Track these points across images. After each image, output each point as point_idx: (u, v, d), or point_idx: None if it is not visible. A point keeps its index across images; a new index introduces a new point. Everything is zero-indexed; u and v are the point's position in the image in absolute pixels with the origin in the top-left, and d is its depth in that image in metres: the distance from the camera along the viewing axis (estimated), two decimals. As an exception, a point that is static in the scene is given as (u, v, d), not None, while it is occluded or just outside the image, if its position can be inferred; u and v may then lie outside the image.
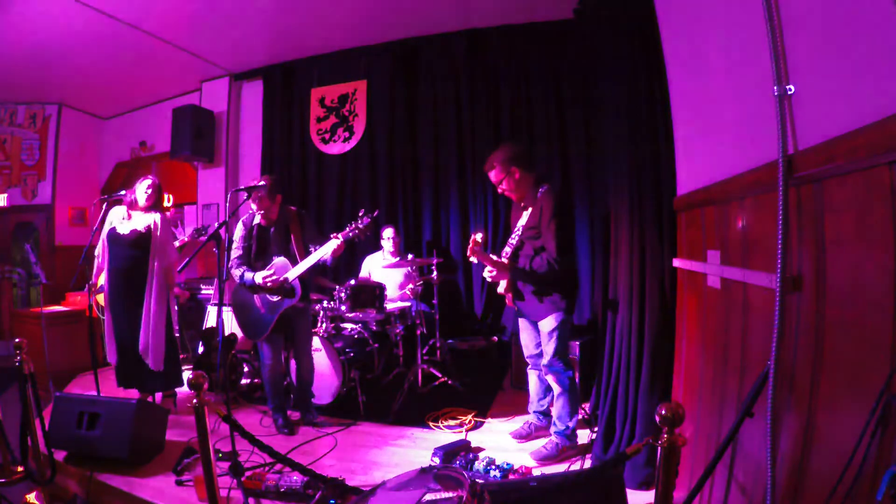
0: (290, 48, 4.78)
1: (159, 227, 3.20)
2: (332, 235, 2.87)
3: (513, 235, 2.58)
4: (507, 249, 2.56)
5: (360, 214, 2.91)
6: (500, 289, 2.68)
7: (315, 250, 2.90)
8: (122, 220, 3.21)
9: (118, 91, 5.57)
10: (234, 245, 3.04)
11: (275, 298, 2.95)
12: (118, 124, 6.26)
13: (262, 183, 2.86)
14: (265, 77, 5.19)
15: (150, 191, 3.22)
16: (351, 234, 2.88)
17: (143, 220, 3.19)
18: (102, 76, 5.09)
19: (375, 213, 2.99)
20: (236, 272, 2.98)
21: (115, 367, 3.28)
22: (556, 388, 2.63)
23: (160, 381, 3.27)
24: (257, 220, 3.01)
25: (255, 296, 3.00)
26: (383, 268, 4.06)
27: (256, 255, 3.01)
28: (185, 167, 5.54)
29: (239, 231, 3.05)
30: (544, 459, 2.56)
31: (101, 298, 3.47)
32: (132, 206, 3.23)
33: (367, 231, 2.91)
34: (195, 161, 5.38)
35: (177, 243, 4.00)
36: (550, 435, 2.68)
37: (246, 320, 3.06)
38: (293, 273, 2.89)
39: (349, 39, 4.60)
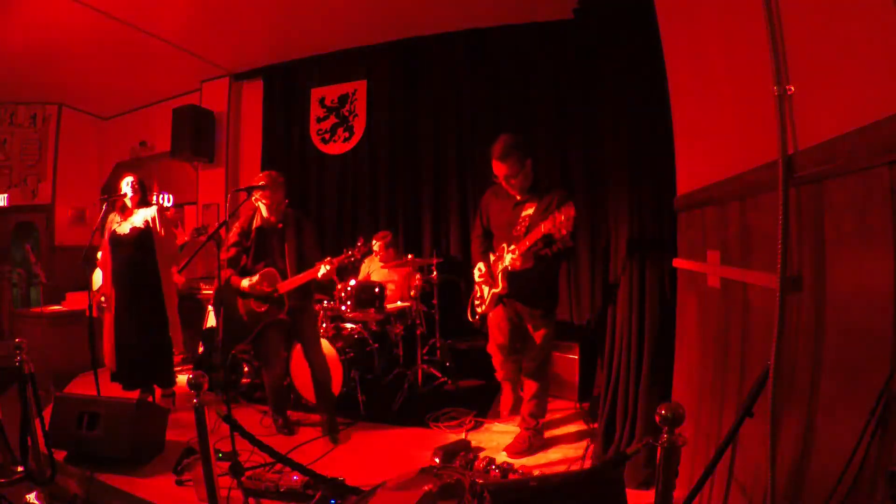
0: (290, 48, 4.78)
1: (157, 220, 3.22)
2: (325, 259, 2.74)
3: (517, 227, 2.46)
4: (514, 245, 2.42)
5: (359, 244, 2.79)
6: (482, 308, 2.68)
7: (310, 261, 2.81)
8: (119, 223, 3.26)
9: (118, 91, 5.56)
10: (227, 245, 2.90)
11: (261, 309, 2.86)
12: (118, 124, 6.25)
13: (262, 183, 2.79)
14: (265, 77, 5.18)
15: (132, 186, 3.24)
16: (345, 262, 2.77)
17: (140, 217, 3.23)
18: (102, 76, 5.09)
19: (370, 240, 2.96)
20: (224, 273, 2.85)
21: (113, 372, 3.27)
22: (534, 390, 2.67)
23: (156, 379, 3.32)
24: (256, 221, 2.90)
25: (240, 301, 2.89)
26: (382, 268, 4.06)
27: (254, 260, 2.88)
28: (185, 167, 5.54)
29: (234, 230, 2.92)
30: (519, 453, 2.62)
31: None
32: (124, 209, 3.28)
33: (360, 258, 2.85)
34: (195, 161, 5.38)
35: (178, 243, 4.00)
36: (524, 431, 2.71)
37: (226, 326, 2.93)
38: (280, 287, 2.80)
39: (349, 39, 4.59)
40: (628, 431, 2.36)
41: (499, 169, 2.44)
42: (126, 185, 3.25)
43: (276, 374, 3.04)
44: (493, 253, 2.64)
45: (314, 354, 2.98)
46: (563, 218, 2.10)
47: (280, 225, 2.90)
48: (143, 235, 3.18)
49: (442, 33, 4.35)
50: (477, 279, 2.71)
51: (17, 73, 4.86)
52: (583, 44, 3.61)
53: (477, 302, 2.75)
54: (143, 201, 3.29)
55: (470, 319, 2.81)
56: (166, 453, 2.66)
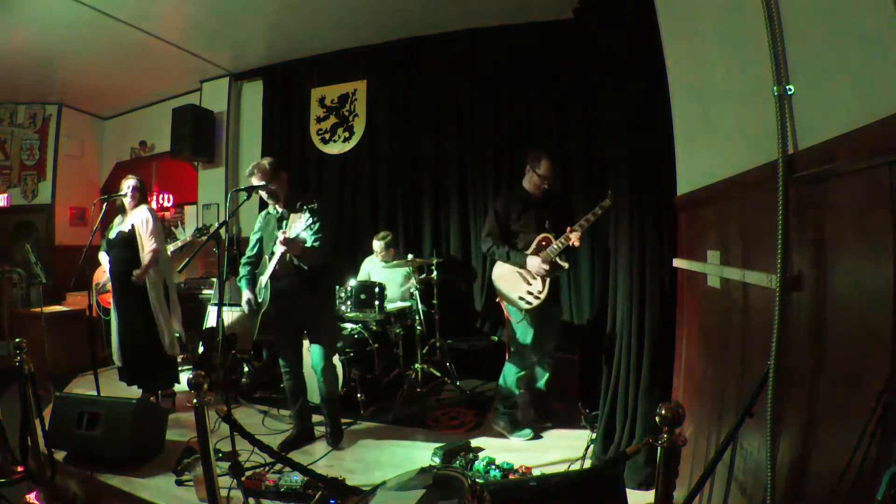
0: (290, 48, 4.77)
1: (142, 219, 3.27)
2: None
3: (546, 221, 2.94)
4: (584, 223, 2.75)
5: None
6: (542, 297, 2.79)
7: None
8: (119, 223, 3.38)
9: (118, 91, 5.56)
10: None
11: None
12: (118, 124, 6.26)
13: (261, 183, 2.76)
14: (265, 77, 5.18)
15: (128, 191, 3.32)
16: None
17: (129, 220, 3.32)
18: (102, 76, 5.09)
19: None
20: (241, 270, 2.85)
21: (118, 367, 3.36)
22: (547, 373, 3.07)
23: (155, 380, 3.34)
24: (270, 206, 2.84)
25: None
26: (383, 268, 4.06)
27: (266, 247, 2.79)
28: (185, 167, 5.54)
29: (257, 221, 2.91)
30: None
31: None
32: (123, 210, 3.39)
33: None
34: (195, 161, 5.38)
35: (179, 243, 4.03)
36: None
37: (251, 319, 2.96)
38: (264, 276, 2.68)
39: (349, 39, 4.59)
40: (628, 431, 2.35)
41: (552, 172, 2.96)
42: (126, 187, 3.33)
43: (289, 378, 2.86)
44: (529, 247, 2.86)
45: (321, 363, 2.80)
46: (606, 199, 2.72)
47: (283, 215, 2.77)
48: (128, 237, 3.26)
49: (442, 33, 4.35)
50: (541, 272, 2.74)
51: (17, 73, 4.85)
52: (583, 44, 3.61)
53: (536, 292, 2.78)
54: (139, 203, 3.35)
55: (508, 317, 2.94)
56: (166, 453, 2.66)
